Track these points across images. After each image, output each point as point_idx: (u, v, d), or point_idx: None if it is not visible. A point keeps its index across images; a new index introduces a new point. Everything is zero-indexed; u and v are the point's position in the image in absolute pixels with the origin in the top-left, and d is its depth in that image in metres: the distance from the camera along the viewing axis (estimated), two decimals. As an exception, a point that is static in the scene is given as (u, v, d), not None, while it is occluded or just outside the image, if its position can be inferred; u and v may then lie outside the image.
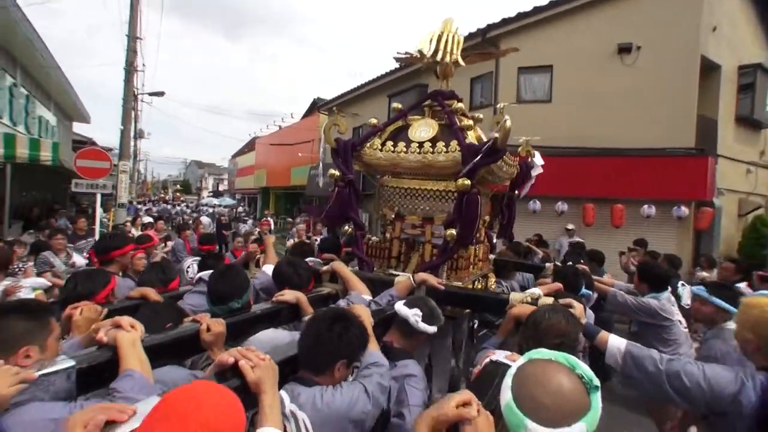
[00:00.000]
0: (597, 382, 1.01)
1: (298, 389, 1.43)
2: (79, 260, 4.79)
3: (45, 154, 6.89)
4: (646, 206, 8.60)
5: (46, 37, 11.54)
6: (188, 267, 4.36)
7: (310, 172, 17.16)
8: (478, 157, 2.57)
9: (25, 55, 12.05)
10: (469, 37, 10.25)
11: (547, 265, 3.72)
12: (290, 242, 8.44)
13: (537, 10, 9.65)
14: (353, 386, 1.52)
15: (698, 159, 8.58)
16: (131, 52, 10.70)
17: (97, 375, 1.32)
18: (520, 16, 9.76)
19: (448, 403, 1.07)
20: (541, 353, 1.10)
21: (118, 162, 10.66)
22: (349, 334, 1.55)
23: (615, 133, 9.05)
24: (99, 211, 7.57)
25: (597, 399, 0.99)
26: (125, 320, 1.45)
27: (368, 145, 3.01)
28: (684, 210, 8.47)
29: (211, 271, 2.46)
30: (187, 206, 21.90)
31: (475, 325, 2.95)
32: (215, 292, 1.98)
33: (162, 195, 35.13)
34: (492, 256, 3.66)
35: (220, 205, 22.99)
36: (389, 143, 2.94)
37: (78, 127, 20.66)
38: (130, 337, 1.38)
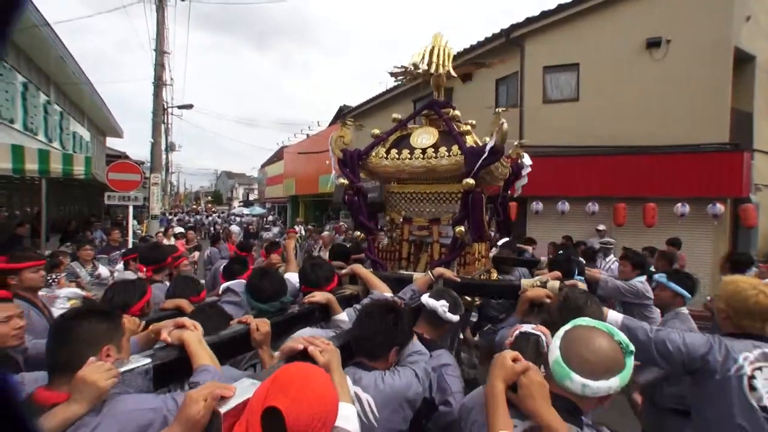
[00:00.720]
0: (632, 347, 1.22)
1: (359, 373, 1.57)
2: (104, 271, 4.82)
3: (78, 168, 6.94)
4: (679, 205, 8.29)
5: (78, 54, 11.91)
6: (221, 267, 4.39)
7: (339, 180, 17.18)
8: (481, 158, 2.77)
9: (58, 72, 12.46)
10: (493, 38, 10.15)
11: (542, 259, 4.01)
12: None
13: (561, 7, 9.44)
14: (406, 370, 1.66)
15: (733, 154, 8.23)
16: (159, 67, 10.97)
17: (169, 372, 1.42)
18: (545, 14, 9.57)
19: (505, 361, 1.25)
20: (586, 321, 1.30)
21: (150, 175, 10.93)
22: (401, 323, 1.70)
23: (646, 130, 8.78)
24: (132, 222, 7.73)
25: (630, 361, 1.19)
26: (188, 321, 1.54)
27: (373, 154, 3.16)
28: (719, 207, 8.11)
29: (238, 281, 2.64)
30: (219, 216, 22.25)
31: (475, 320, 3.09)
32: (262, 291, 2.06)
33: (194, 206, 35.85)
34: (491, 254, 3.86)
35: (249, 215, 23.32)
36: (393, 151, 3.09)
37: (111, 142, 21.30)
38: (196, 336, 1.48)
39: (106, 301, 2.06)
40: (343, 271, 2.75)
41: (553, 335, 1.36)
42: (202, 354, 1.43)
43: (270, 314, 1.88)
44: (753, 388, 1.75)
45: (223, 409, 1.07)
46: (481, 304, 3.17)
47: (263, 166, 29.88)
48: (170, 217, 20.11)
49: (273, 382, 1.03)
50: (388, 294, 2.45)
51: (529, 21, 9.62)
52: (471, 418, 1.40)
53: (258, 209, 29.12)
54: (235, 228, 10.05)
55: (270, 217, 24.50)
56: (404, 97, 13.89)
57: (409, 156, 3.01)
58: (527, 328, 1.60)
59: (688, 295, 2.76)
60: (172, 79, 11.40)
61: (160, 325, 1.58)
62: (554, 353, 1.26)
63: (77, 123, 15.36)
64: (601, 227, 8.84)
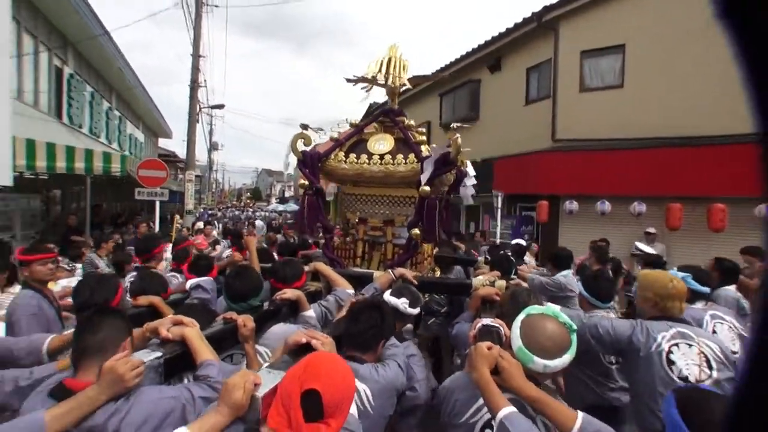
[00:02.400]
0: (574, 326, 1.49)
1: (355, 366, 1.63)
2: None
3: (115, 166, 7.48)
4: (764, 206, 6.79)
5: (135, 61, 12.97)
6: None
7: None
8: (434, 167, 2.92)
9: (118, 81, 13.68)
10: (523, 23, 9.25)
11: (479, 258, 4.23)
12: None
13: (604, -18, 8.32)
14: (393, 363, 1.83)
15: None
16: (195, 70, 11.48)
17: (174, 365, 1.51)
18: (582, -8, 8.51)
19: (484, 350, 1.45)
20: (535, 308, 1.57)
21: (185, 172, 11.49)
22: (387, 318, 1.87)
23: (709, 118, 7.39)
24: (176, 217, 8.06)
25: (575, 337, 1.47)
26: (186, 318, 1.63)
27: (332, 157, 3.26)
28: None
29: (207, 278, 2.73)
30: (253, 212, 23.20)
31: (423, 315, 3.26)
32: (234, 291, 2.13)
33: (234, 202, 38.01)
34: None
35: (277, 210, 24.03)
36: (352, 155, 3.23)
37: (164, 143, 23.02)
38: (196, 332, 1.57)
39: (85, 296, 2.05)
40: (306, 268, 2.75)
41: (508, 326, 1.65)
42: (205, 349, 1.53)
43: (238, 313, 1.92)
44: (671, 362, 1.99)
45: (259, 394, 1.22)
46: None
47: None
48: (211, 212, 21.16)
49: (305, 369, 1.16)
50: (350, 290, 2.60)
51: (563, 1, 8.57)
52: (453, 397, 1.62)
53: (293, 205, 29.43)
54: (259, 222, 10.22)
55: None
56: (430, 92, 13.28)
57: (367, 161, 3.15)
58: (487, 321, 1.80)
59: (600, 303, 2.76)
60: (205, 81, 11.82)
61: (156, 323, 1.64)
62: (516, 342, 1.48)
63: (134, 126, 16.73)
64: (651, 230, 7.60)
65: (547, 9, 8.65)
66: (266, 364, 1.49)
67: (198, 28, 11.57)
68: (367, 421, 1.58)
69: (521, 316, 1.54)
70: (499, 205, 8.58)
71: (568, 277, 3.59)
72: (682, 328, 2.07)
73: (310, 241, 4.61)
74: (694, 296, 2.73)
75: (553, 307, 1.77)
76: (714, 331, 2.59)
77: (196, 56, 11.58)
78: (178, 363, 1.53)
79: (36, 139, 6.81)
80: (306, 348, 1.48)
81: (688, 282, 2.59)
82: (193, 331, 1.56)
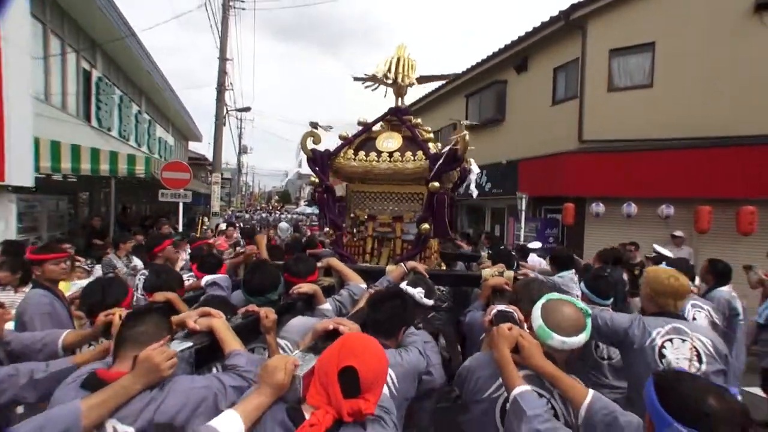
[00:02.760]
0: (590, 311, 1.69)
1: None
2: (138, 263, 5.12)
3: (140, 168, 7.68)
4: None
5: (163, 63, 13.29)
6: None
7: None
8: (443, 163, 3.02)
9: (147, 84, 14.06)
10: (550, 22, 9.15)
11: (482, 254, 4.39)
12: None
13: (633, -21, 8.16)
14: (414, 349, 1.94)
15: None
16: (222, 73, 11.77)
17: (204, 355, 1.57)
18: (611, -10, 8.37)
19: (505, 331, 1.59)
20: (554, 296, 1.72)
21: (211, 174, 11.81)
22: (408, 306, 1.97)
23: (739, 118, 7.20)
24: (182, 217, 8.27)
25: (590, 320, 1.64)
26: (213, 310, 1.69)
27: (341, 155, 3.33)
28: None
29: (222, 275, 2.80)
30: (281, 214, 23.62)
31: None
32: (252, 285, 2.14)
33: (263, 205, 38.68)
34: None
35: (305, 213, 24.46)
36: (361, 153, 3.29)
37: (194, 146, 23.51)
38: (224, 323, 1.63)
39: (96, 298, 2.07)
40: (319, 264, 2.80)
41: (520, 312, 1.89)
42: (232, 340, 1.59)
43: (258, 306, 1.98)
44: (663, 356, 2.10)
45: (300, 373, 1.28)
46: None
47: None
48: (238, 214, 21.54)
49: (341, 349, 1.22)
50: (363, 285, 2.65)
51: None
52: (476, 375, 1.75)
53: None
54: (284, 225, 10.37)
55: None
56: (457, 93, 13.26)
57: (376, 158, 3.22)
58: (501, 307, 1.94)
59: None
60: (231, 84, 12.08)
61: (183, 315, 1.69)
62: (537, 321, 1.64)
63: (163, 129, 17.20)
64: (679, 233, 7.45)
65: (574, 7, 8.55)
66: (300, 349, 1.58)
67: (225, 30, 11.85)
68: (385, 399, 1.66)
69: (542, 301, 1.70)
70: (523, 207, 8.55)
71: (564, 278, 3.60)
72: (677, 324, 2.17)
73: (318, 239, 4.75)
74: None
75: (570, 297, 1.86)
76: (694, 318, 2.88)
77: (222, 59, 11.86)
78: (207, 353, 1.58)
79: (63, 141, 6.91)
80: (334, 334, 1.56)
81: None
82: (220, 322, 1.62)
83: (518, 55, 10.38)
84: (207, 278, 2.70)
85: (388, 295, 1.98)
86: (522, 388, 1.44)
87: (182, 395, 1.34)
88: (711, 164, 7.34)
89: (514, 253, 4.18)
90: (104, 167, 7.34)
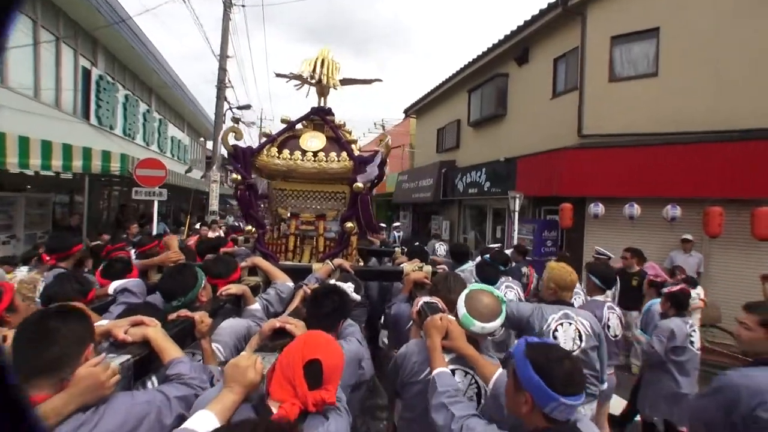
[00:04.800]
0: (505, 298, 1.99)
1: None
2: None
3: (114, 165, 7.36)
4: None
5: (183, 64, 13.63)
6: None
7: (398, 179, 16.90)
8: (372, 166, 3.23)
9: (157, 83, 14.50)
10: (549, 8, 8.70)
11: (396, 249, 4.59)
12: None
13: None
14: (353, 339, 2.10)
15: None
16: (222, 71, 11.97)
17: (140, 367, 1.47)
18: (614, -28, 7.84)
19: (437, 321, 1.83)
20: (475, 286, 2.01)
21: (209, 172, 12.01)
22: (346, 300, 2.10)
23: (753, 109, 6.52)
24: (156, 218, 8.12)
25: (504, 307, 1.93)
26: (146, 318, 1.59)
27: (264, 152, 3.35)
28: None
29: (136, 280, 2.67)
30: None
31: None
32: (162, 290, 2.13)
33: None
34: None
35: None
36: (285, 151, 3.33)
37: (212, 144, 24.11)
38: (160, 332, 1.55)
39: (54, 294, 2.01)
40: (243, 264, 2.85)
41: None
42: (171, 348, 1.53)
43: (173, 311, 1.89)
44: (555, 338, 2.45)
45: (264, 371, 1.36)
46: None
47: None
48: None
49: (305, 344, 1.32)
50: (290, 283, 2.71)
51: (591, -17, 7.95)
52: (412, 360, 1.96)
53: None
54: None
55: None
56: (459, 89, 12.91)
57: (301, 157, 3.29)
58: (426, 299, 2.16)
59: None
60: (230, 81, 12.25)
61: (110, 325, 1.56)
62: (461, 310, 1.87)
63: (176, 128, 17.71)
64: (688, 237, 6.86)
65: (573, -7, 8.08)
66: (249, 350, 1.67)
67: (226, 28, 12.05)
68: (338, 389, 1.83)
69: (465, 291, 1.96)
70: (516, 208, 8.14)
71: (465, 270, 3.97)
72: (567, 310, 2.59)
73: (228, 237, 4.68)
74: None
75: (488, 286, 2.10)
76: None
77: (223, 57, 12.06)
78: (144, 365, 1.49)
79: (54, 139, 6.73)
80: (281, 333, 1.69)
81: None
82: (156, 331, 1.54)
83: (519, 46, 9.95)
84: (116, 284, 2.53)
85: (327, 291, 2.10)
86: (440, 370, 1.70)
87: (120, 414, 1.24)
88: (722, 161, 6.71)
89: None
90: (77, 164, 6.99)
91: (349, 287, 2.43)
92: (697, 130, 6.97)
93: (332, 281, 2.53)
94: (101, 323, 1.63)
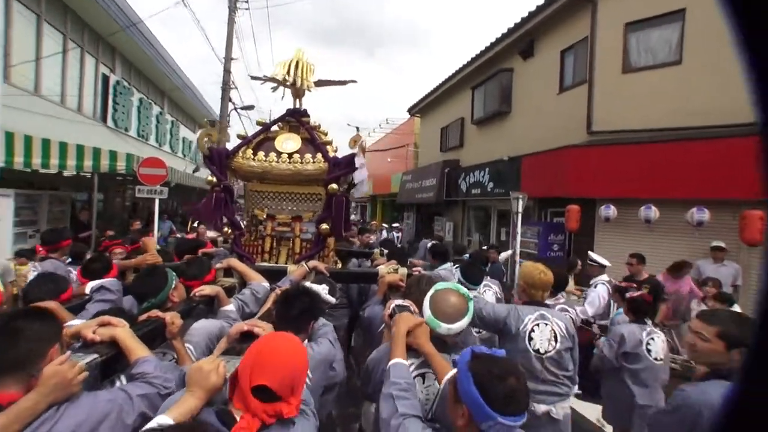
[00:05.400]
0: (470, 295, 1.83)
1: None
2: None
3: (120, 164, 7.33)
4: None
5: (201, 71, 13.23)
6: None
7: (402, 178, 15.90)
8: (344, 168, 3.13)
9: (169, 87, 14.13)
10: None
11: (375, 250, 4.36)
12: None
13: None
14: (325, 341, 1.98)
15: None
16: (227, 73, 11.30)
17: (107, 366, 1.41)
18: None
19: (407, 315, 1.77)
20: (441, 285, 1.86)
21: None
22: (316, 302, 1.99)
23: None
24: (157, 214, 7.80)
25: (471, 305, 1.79)
26: (113, 318, 1.52)
27: (240, 154, 3.18)
28: None
29: (112, 279, 2.48)
30: None
31: None
32: (133, 292, 2.14)
33: None
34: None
35: None
36: (261, 153, 3.15)
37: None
38: (127, 332, 1.48)
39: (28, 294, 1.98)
40: (218, 265, 2.71)
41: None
42: (138, 347, 1.46)
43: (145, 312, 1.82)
44: (531, 339, 2.33)
45: (228, 375, 1.26)
46: None
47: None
48: None
49: (253, 367, 1.16)
50: (265, 284, 2.56)
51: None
52: (381, 366, 1.76)
53: None
54: None
55: (353, 216, 24.32)
56: (462, 87, 11.79)
57: (276, 159, 3.12)
58: (398, 301, 2.00)
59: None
60: (233, 82, 11.61)
61: (80, 326, 1.50)
62: (427, 312, 1.76)
63: (188, 129, 17.28)
64: (721, 244, 5.62)
65: (583, -25, 6.92)
66: (216, 354, 1.52)
67: (230, 30, 11.39)
68: (305, 392, 1.58)
69: (431, 292, 1.81)
70: (519, 209, 7.03)
71: (445, 269, 3.80)
72: (543, 311, 2.42)
73: (205, 239, 4.36)
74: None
75: (455, 284, 1.92)
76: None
77: (228, 59, 11.40)
78: (111, 364, 1.45)
79: (79, 142, 6.96)
80: (249, 336, 1.56)
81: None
82: (124, 332, 1.48)
83: (524, 39, 8.79)
84: (93, 283, 2.37)
85: (296, 292, 1.97)
86: (397, 360, 1.57)
87: (81, 412, 1.18)
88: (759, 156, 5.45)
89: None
90: (88, 163, 7.10)
91: (323, 289, 2.34)
92: (728, 122, 5.69)
93: (307, 283, 2.38)
94: (74, 322, 1.66)
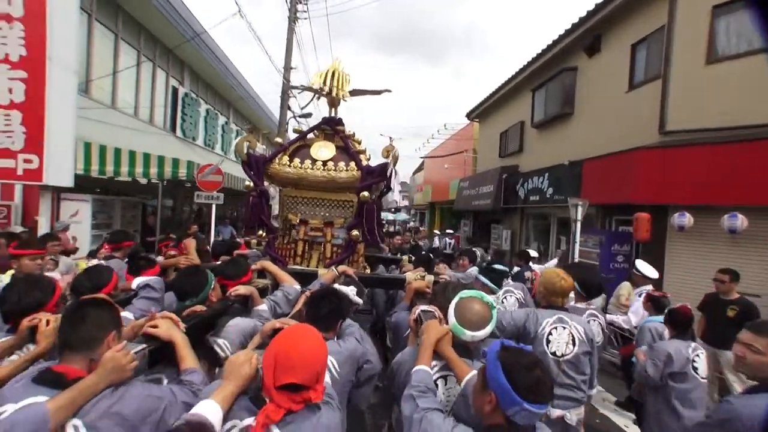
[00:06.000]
0: (495, 304, 1.86)
1: None
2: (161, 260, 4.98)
3: (182, 171, 7.78)
4: None
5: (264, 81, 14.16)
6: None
7: (459, 185, 15.52)
8: (376, 177, 3.18)
9: (234, 98, 15.15)
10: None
11: (403, 257, 4.39)
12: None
13: None
14: (351, 338, 2.10)
15: None
16: (286, 82, 11.86)
17: (153, 357, 1.53)
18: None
19: (437, 325, 1.79)
20: (466, 293, 1.88)
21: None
22: (344, 302, 2.13)
23: None
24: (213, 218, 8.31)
25: (495, 312, 1.81)
26: (175, 317, 1.66)
27: (276, 161, 3.28)
28: None
29: (156, 277, 2.59)
30: None
31: None
32: (175, 290, 2.23)
33: None
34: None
35: (386, 220, 24.65)
36: (296, 160, 3.25)
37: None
38: (185, 339, 1.60)
39: (12, 302, 1.86)
40: (253, 266, 2.80)
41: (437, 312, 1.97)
42: (191, 357, 1.58)
43: (183, 309, 1.96)
44: (549, 341, 2.40)
45: (259, 366, 1.35)
46: None
47: (414, 173, 29.68)
48: None
49: (276, 368, 1.24)
50: (297, 286, 2.66)
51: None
52: (405, 368, 1.82)
53: (403, 215, 29.33)
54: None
55: (411, 224, 24.25)
56: (522, 89, 11.22)
57: (311, 166, 3.21)
58: (424, 307, 2.04)
59: (495, 288, 3.21)
60: (291, 92, 12.11)
61: (140, 323, 1.71)
62: (452, 320, 1.78)
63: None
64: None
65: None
66: (255, 347, 1.69)
67: (290, 40, 11.91)
68: (336, 386, 1.77)
69: (455, 299, 1.83)
70: (578, 217, 6.50)
71: (470, 273, 3.83)
72: (562, 314, 2.48)
73: (240, 241, 4.45)
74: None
75: (479, 292, 1.93)
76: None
77: (287, 68, 11.94)
78: (158, 355, 1.57)
79: (151, 151, 7.53)
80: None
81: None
82: (181, 337, 1.59)
83: (589, 34, 8.17)
84: (138, 280, 2.50)
85: (325, 293, 2.09)
86: (420, 367, 1.64)
87: (135, 401, 1.32)
88: None
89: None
90: (153, 170, 7.62)
91: (351, 290, 2.41)
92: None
93: (336, 285, 2.46)
94: (124, 314, 1.78)
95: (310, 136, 3.56)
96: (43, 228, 6.25)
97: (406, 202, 36.62)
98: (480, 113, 14.97)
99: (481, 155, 15.54)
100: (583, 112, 8.67)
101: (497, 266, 3.41)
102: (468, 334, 1.73)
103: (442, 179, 18.17)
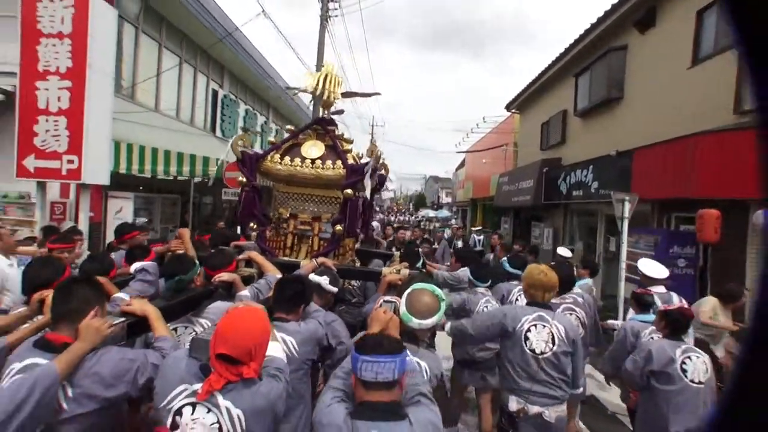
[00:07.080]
0: (443, 297, 2.02)
1: (281, 324, 2.09)
2: None
3: (212, 169, 7.87)
4: None
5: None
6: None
7: (499, 180, 14.58)
8: (355, 176, 3.30)
9: (273, 97, 15.37)
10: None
11: (395, 252, 4.77)
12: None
13: None
14: (313, 320, 2.25)
15: None
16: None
17: (133, 330, 1.83)
18: None
19: (380, 314, 1.88)
20: (418, 285, 2.05)
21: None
22: (306, 288, 2.29)
23: None
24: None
25: (443, 305, 1.98)
26: (146, 304, 1.92)
27: (269, 158, 3.42)
28: None
29: (151, 262, 2.74)
30: (395, 217, 23.89)
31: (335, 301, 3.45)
32: (164, 270, 2.44)
33: (398, 207, 41.24)
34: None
35: (428, 216, 24.00)
36: (287, 158, 3.39)
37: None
38: (157, 313, 1.85)
39: (30, 278, 2.14)
40: (240, 257, 3.02)
41: None
42: (162, 327, 1.83)
43: (173, 291, 2.30)
44: (527, 338, 2.45)
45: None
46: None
47: (457, 169, 28.69)
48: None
49: (215, 337, 1.42)
50: (279, 275, 2.71)
51: None
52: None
53: (444, 212, 28.54)
54: (375, 223, 9.80)
55: (453, 221, 23.39)
56: (566, 72, 10.14)
57: (300, 164, 3.35)
58: (387, 298, 2.31)
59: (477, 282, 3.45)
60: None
61: (125, 301, 1.98)
62: (402, 308, 1.96)
63: (291, 137, 18.66)
64: None
65: None
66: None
67: (322, 40, 11.76)
68: (293, 364, 1.91)
69: (408, 290, 2.02)
70: (626, 214, 5.62)
71: (466, 272, 3.86)
72: (542, 312, 2.50)
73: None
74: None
75: (431, 285, 2.09)
76: (517, 300, 3.41)
77: (319, 68, 11.80)
78: (135, 328, 1.82)
79: (192, 151, 7.73)
80: None
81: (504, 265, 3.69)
82: (153, 311, 1.84)
83: (641, 6, 7.12)
84: (136, 265, 2.69)
85: (290, 279, 2.29)
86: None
87: (112, 361, 1.53)
88: None
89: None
90: (186, 169, 7.77)
91: (324, 279, 2.59)
92: None
93: (312, 274, 2.65)
94: (119, 295, 2.17)
95: (303, 135, 3.71)
96: (82, 224, 6.50)
97: (449, 199, 35.69)
98: (520, 104, 13.94)
99: (522, 148, 14.49)
100: (634, 95, 7.61)
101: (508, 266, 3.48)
102: (415, 322, 1.89)
103: (482, 175, 17.27)
